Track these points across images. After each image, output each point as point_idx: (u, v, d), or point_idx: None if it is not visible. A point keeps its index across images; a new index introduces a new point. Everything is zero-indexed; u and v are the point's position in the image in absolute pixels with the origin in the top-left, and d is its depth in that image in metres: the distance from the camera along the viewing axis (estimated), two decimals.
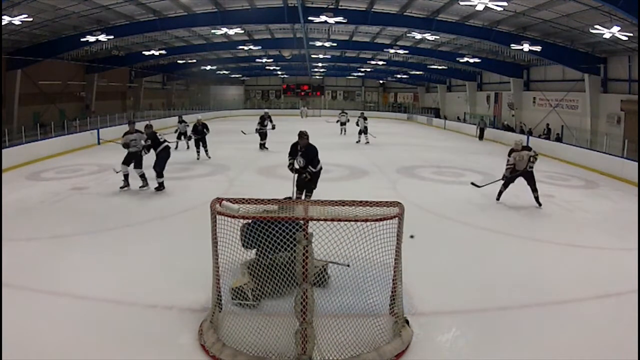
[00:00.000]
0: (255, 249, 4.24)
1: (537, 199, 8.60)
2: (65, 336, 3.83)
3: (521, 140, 8.96)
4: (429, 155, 16.01)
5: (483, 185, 9.23)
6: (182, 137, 15.83)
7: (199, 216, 6.35)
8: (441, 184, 10.91)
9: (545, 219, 7.97)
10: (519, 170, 8.56)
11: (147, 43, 22.97)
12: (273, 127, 16.42)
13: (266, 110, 18.04)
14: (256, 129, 16.30)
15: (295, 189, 7.26)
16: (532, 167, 8.46)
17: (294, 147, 7.35)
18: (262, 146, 16.30)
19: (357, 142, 18.72)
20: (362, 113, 20.12)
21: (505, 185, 8.81)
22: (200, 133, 13.71)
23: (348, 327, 3.71)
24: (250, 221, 4.00)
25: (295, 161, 7.26)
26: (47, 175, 11.18)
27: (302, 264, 3.43)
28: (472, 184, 9.47)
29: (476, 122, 26.71)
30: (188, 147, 15.32)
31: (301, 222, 3.65)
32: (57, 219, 7.32)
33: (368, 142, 18.70)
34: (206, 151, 13.89)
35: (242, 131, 18.51)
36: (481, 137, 22.96)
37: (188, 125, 15.87)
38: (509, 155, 8.61)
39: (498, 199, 8.88)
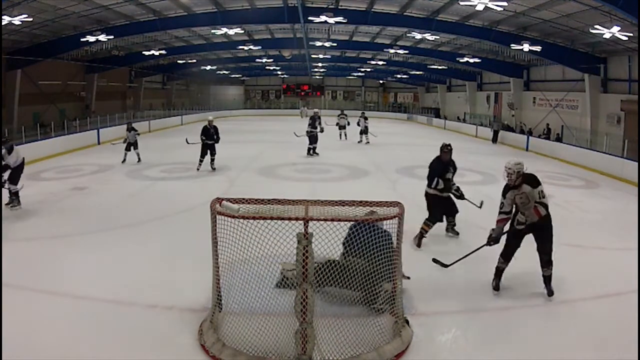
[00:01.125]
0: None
1: (547, 279, 4.78)
2: (65, 336, 3.83)
3: (517, 164, 4.66)
4: (429, 155, 15.84)
5: (450, 265, 5.15)
6: (132, 148, 12.85)
7: (199, 216, 6.35)
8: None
9: None
10: (524, 222, 4.72)
11: (147, 43, 22.96)
12: (321, 130, 14.84)
13: (316, 110, 15.99)
14: (307, 132, 14.66)
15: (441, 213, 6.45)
16: (544, 213, 4.63)
17: (439, 162, 6.34)
18: (312, 151, 14.62)
19: (358, 142, 18.71)
20: (363, 113, 20.05)
21: (506, 258, 4.93)
22: (211, 137, 11.38)
23: (348, 327, 3.71)
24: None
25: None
26: (47, 175, 11.17)
27: (302, 264, 3.43)
28: (435, 260, 5.24)
29: (477, 122, 26.73)
30: (139, 160, 12.85)
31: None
32: (57, 219, 7.32)
33: (368, 142, 18.68)
34: (212, 160, 11.64)
35: (294, 133, 16.75)
36: (495, 139, 21.44)
37: (138, 134, 13.14)
38: (503, 195, 4.81)
39: (496, 288, 4.88)
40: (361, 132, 18.89)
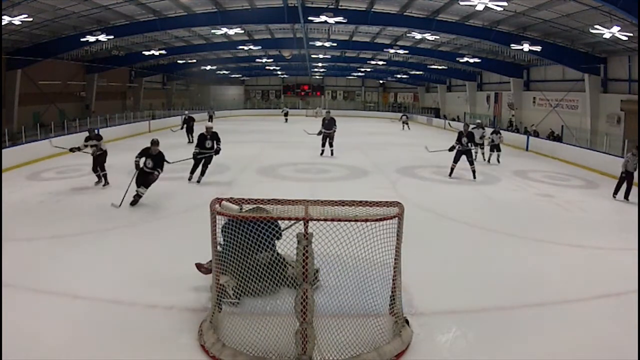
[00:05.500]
0: (227, 247, 4.16)
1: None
2: (65, 336, 3.83)
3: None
4: (429, 155, 15.98)
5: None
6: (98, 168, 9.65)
7: (199, 216, 6.36)
8: (441, 184, 10.90)
9: (545, 219, 7.97)
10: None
11: (147, 43, 22.97)
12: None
13: (468, 124, 13.04)
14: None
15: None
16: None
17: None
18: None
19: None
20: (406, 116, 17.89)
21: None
22: (205, 146, 10.09)
23: (348, 327, 3.71)
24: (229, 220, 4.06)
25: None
26: (47, 175, 11.18)
27: (302, 264, 3.43)
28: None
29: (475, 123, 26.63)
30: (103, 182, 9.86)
31: (277, 224, 3.84)
32: (57, 219, 7.32)
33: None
34: (203, 173, 10.26)
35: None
36: (497, 148, 14.50)
37: (97, 148, 9.79)
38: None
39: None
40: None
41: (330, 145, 14.62)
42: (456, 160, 11.39)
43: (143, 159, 8.15)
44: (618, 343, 3.92)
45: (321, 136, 14.67)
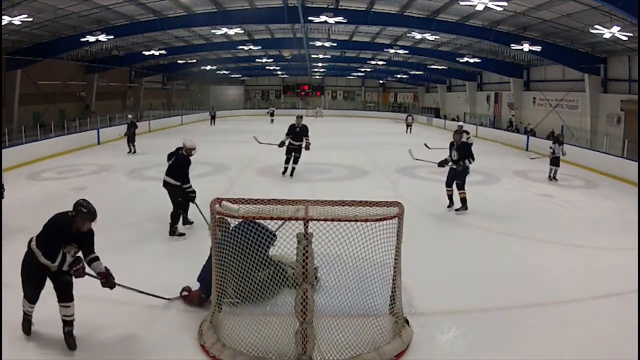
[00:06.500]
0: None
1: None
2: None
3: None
4: (428, 155, 15.96)
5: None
6: None
7: (199, 216, 6.36)
8: (441, 184, 10.84)
9: (545, 219, 7.97)
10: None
11: (147, 43, 22.98)
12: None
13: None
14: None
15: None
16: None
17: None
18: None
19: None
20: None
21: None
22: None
23: (348, 327, 3.71)
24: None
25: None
26: (47, 175, 11.18)
27: (302, 264, 3.43)
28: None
29: (477, 122, 26.65)
30: None
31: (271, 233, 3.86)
32: None
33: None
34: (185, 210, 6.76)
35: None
36: (555, 162, 11.73)
37: None
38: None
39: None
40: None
41: (295, 161, 10.81)
42: (449, 183, 8.24)
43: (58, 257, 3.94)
44: (618, 343, 3.91)
45: (285, 149, 10.80)
